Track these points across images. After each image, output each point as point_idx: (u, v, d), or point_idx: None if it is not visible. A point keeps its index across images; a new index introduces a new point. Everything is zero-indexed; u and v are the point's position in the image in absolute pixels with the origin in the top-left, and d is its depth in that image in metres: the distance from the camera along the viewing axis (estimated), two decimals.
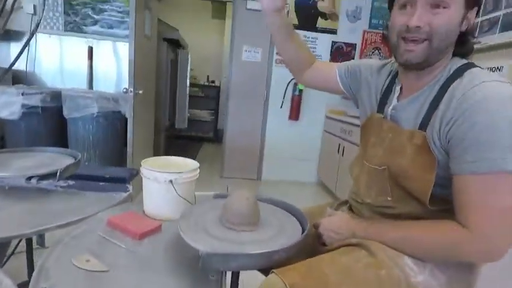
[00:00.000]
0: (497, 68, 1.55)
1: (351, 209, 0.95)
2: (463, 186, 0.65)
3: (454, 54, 0.74)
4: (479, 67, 0.71)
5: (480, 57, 1.64)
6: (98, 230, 0.79)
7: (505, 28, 1.53)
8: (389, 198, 0.79)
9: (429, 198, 0.70)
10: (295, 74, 1.10)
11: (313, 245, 0.86)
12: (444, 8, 0.66)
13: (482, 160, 0.61)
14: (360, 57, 3.49)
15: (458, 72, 0.70)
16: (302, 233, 0.74)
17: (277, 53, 3.36)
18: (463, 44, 0.74)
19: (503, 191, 0.61)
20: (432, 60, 0.71)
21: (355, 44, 3.48)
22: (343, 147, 2.90)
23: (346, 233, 0.80)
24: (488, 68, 1.56)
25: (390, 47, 0.77)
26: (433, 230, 0.70)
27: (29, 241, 1.21)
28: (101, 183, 1.08)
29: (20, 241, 1.30)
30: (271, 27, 0.97)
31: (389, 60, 0.93)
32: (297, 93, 3.42)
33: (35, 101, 2.50)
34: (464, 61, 0.73)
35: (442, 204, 0.71)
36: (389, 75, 0.88)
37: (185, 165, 0.95)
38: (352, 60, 1.02)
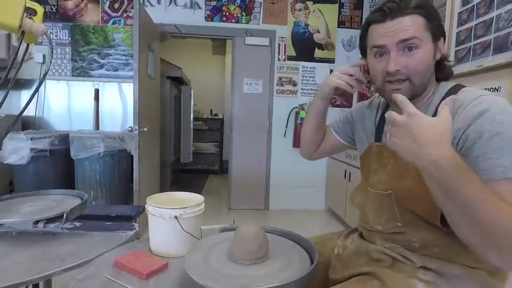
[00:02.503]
0: (496, 88, 1.57)
1: (361, 236, 0.93)
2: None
3: (437, 79, 0.78)
4: (468, 86, 0.74)
5: (478, 79, 1.67)
6: (104, 272, 0.78)
7: (496, 50, 1.58)
8: (399, 224, 0.77)
9: (440, 219, 0.68)
10: (306, 152, 1.13)
11: (323, 276, 0.83)
12: (416, 48, 0.71)
13: (495, 167, 0.60)
14: None
15: (452, 93, 0.73)
16: (311, 263, 0.72)
17: (276, 88, 3.45)
18: (441, 70, 0.78)
19: None
20: (419, 93, 0.75)
21: None
22: (350, 173, 2.88)
23: (430, 152, 0.55)
24: (486, 89, 1.59)
25: (376, 89, 0.81)
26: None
27: (35, 287, 1.19)
28: (107, 223, 1.08)
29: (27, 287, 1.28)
30: (316, 110, 1.00)
31: (374, 95, 0.97)
32: (299, 121, 3.46)
33: (44, 144, 2.55)
34: (453, 83, 0.77)
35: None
36: (378, 107, 0.92)
37: (190, 200, 0.95)
38: (341, 113, 1.08)
